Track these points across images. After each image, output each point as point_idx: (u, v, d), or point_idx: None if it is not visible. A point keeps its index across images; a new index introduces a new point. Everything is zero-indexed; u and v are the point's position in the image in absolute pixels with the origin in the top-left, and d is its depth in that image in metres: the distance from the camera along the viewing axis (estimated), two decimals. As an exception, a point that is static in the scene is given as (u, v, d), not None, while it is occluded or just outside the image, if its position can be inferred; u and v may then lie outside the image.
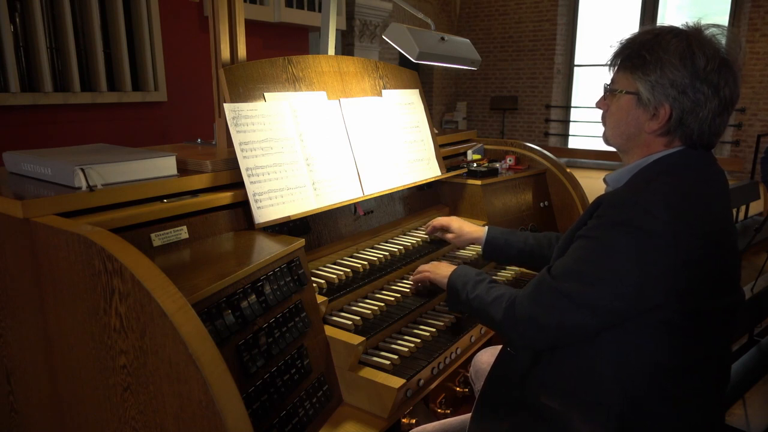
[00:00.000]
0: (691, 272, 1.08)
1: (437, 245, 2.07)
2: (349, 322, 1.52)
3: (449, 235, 1.98)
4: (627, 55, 1.22)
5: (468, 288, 1.44)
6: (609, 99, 1.28)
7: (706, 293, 1.12)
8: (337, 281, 1.67)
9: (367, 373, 1.41)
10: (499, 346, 1.81)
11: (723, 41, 1.17)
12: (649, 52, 1.17)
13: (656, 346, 1.12)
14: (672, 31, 1.18)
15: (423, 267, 1.72)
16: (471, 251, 2.13)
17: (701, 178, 1.17)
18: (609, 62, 1.27)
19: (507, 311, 1.27)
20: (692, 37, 1.15)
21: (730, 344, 1.25)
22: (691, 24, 1.19)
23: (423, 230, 2.12)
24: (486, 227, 1.89)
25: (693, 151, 1.20)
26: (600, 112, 1.33)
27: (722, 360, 1.23)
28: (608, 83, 1.29)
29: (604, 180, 1.33)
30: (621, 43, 1.25)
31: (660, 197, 1.09)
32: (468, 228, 1.95)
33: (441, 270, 1.62)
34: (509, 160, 2.61)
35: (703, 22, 1.20)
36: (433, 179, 2.23)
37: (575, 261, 1.17)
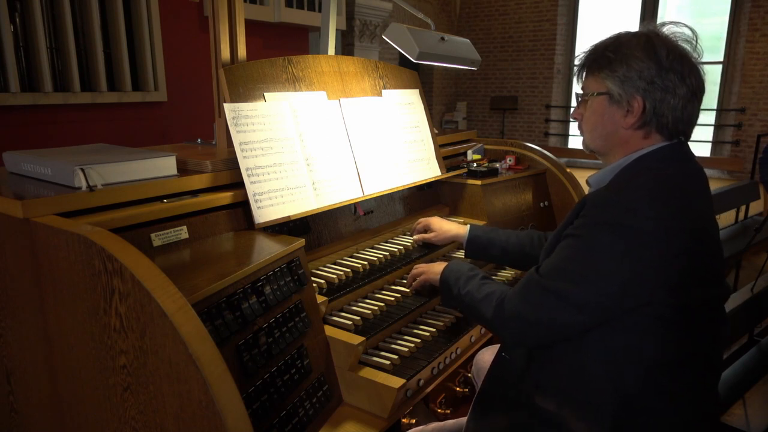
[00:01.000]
0: (678, 266, 1.10)
1: (437, 245, 2.07)
2: (349, 322, 1.52)
3: (430, 234, 1.98)
4: (592, 60, 1.27)
5: (460, 283, 1.45)
6: (582, 107, 1.32)
7: (692, 287, 1.13)
8: (337, 281, 1.67)
9: (367, 373, 1.41)
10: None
11: (680, 36, 1.22)
12: (612, 51, 1.23)
13: (645, 342, 1.13)
14: (631, 32, 1.25)
15: (418, 266, 1.73)
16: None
17: (682, 174, 1.19)
18: (576, 73, 1.33)
19: (497, 309, 1.29)
20: (651, 33, 1.22)
21: (717, 339, 1.27)
22: (648, 26, 1.25)
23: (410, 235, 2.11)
24: (468, 225, 1.90)
25: (671, 147, 1.23)
26: (577, 123, 1.37)
27: (710, 355, 1.23)
28: (579, 92, 1.33)
29: (587, 182, 1.35)
30: (585, 53, 1.30)
31: (643, 193, 1.11)
32: (447, 225, 1.96)
33: (435, 268, 1.65)
34: (509, 160, 2.61)
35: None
36: (433, 179, 2.23)
37: (562, 260, 1.19)
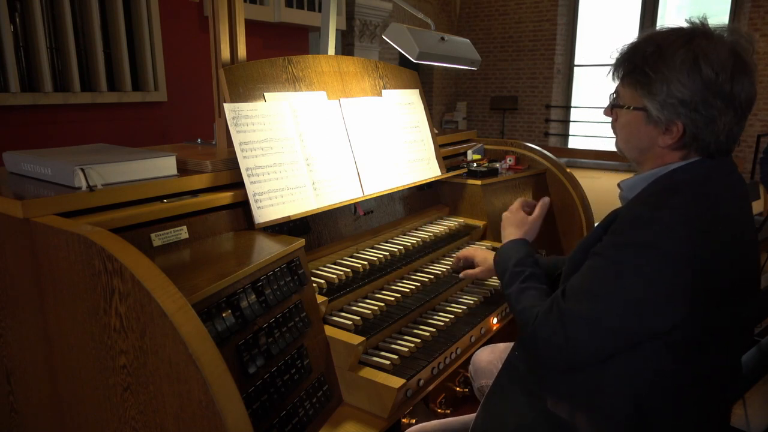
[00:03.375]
0: (709, 292, 1.05)
1: (437, 245, 2.07)
2: (349, 322, 1.52)
3: (476, 270, 1.82)
4: (630, 70, 1.15)
5: (505, 278, 1.39)
6: (617, 110, 1.23)
7: (722, 311, 1.09)
8: (337, 281, 1.67)
9: (367, 373, 1.41)
10: (500, 344, 1.81)
11: (733, 39, 1.09)
12: (653, 69, 1.10)
13: (669, 361, 1.09)
14: (676, 41, 1.09)
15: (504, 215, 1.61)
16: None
17: (722, 192, 1.12)
18: (611, 72, 1.22)
19: (530, 332, 1.22)
20: (698, 45, 1.07)
21: (739, 354, 1.22)
22: (696, 22, 1.12)
23: (451, 261, 2.00)
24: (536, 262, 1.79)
25: (712, 160, 1.14)
26: (610, 121, 1.27)
27: (734, 370, 1.20)
28: (613, 94, 1.23)
29: (619, 185, 1.28)
30: (622, 53, 1.17)
31: (678, 215, 1.04)
32: (492, 257, 1.77)
33: (505, 229, 1.56)
34: (509, 160, 2.61)
35: (709, 21, 1.13)
36: (433, 179, 2.23)
37: (589, 281, 1.12)
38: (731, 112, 1.08)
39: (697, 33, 1.09)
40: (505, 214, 1.61)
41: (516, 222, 1.57)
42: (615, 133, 1.26)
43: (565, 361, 1.17)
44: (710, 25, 1.11)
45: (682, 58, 1.07)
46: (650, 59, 1.10)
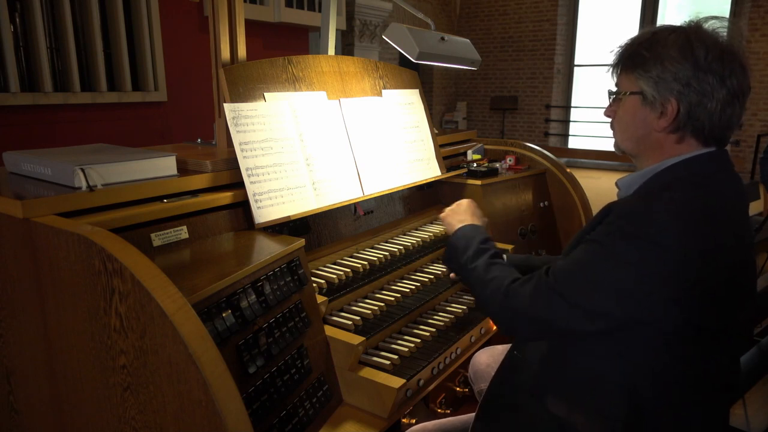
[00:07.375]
0: (697, 290, 1.05)
1: (437, 245, 2.07)
2: (349, 322, 1.52)
3: None
4: (626, 56, 1.21)
5: (468, 254, 1.40)
6: (615, 105, 1.26)
7: (717, 310, 1.09)
8: (337, 281, 1.67)
9: (367, 373, 1.41)
10: (498, 346, 1.81)
11: (725, 33, 1.14)
12: (647, 49, 1.16)
13: (663, 357, 1.10)
14: (669, 28, 1.17)
15: (445, 210, 1.66)
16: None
17: (718, 190, 1.13)
18: (610, 68, 1.26)
19: (501, 299, 1.24)
20: (690, 31, 1.14)
21: (738, 355, 1.22)
22: (689, 20, 1.18)
23: (443, 273, 1.95)
24: (504, 257, 1.74)
25: (708, 156, 1.16)
26: (609, 121, 1.30)
27: (730, 371, 1.20)
28: (612, 90, 1.27)
29: (616, 184, 1.30)
30: (620, 47, 1.23)
31: (672, 209, 1.06)
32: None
33: (456, 217, 1.58)
34: (509, 160, 2.61)
35: (702, 16, 1.18)
36: (433, 179, 2.23)
37: (577, 263, 1.15)
38: (723, 91, 1.12)
39: (690, 25, 1.17)
40: (462, 204, 1.64)
41: (477, 213, 1.62)
42: (613, 130, 1.29)
43: (533, 332, 1.21)
44: (703, 20, 1.17)
45: (674, 39, 1.14)
46: (645, 42, 1.17)
